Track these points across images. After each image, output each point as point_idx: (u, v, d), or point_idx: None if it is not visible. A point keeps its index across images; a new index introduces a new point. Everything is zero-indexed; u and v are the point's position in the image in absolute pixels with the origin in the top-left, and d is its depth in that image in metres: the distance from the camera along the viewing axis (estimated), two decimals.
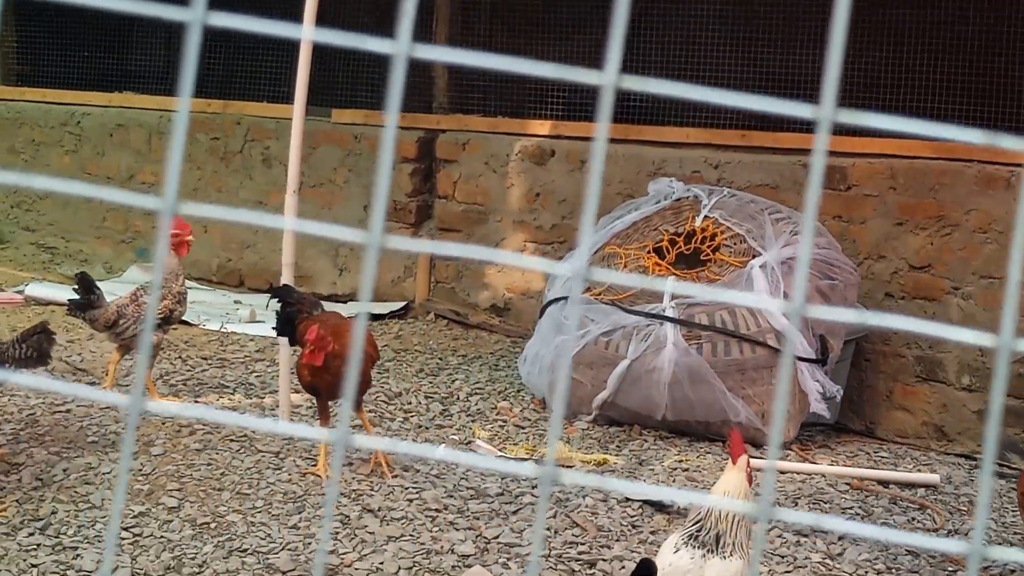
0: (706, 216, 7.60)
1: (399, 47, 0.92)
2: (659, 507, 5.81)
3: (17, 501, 5.45)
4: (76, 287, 6.98)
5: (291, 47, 6.91)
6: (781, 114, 1.02)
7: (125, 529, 5.26)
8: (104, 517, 5.35)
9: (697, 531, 4.23)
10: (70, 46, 11.33)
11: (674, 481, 6.33)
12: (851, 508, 6.14)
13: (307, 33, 0.98)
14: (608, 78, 0.93)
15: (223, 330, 8.71)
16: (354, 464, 6.04)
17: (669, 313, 7.13)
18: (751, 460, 6.69)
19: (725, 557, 4.20)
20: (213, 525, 5.37)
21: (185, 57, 0.92)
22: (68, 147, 11.12)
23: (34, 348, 5.77)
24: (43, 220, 11.20)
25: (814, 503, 6.17)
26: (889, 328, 1.01)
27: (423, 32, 10.11)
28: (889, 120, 0.99)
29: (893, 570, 5.43)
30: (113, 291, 9.26)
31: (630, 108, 9.01)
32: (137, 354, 6.83)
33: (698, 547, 4.20)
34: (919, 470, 6.89)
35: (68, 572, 4.97)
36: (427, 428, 6.97)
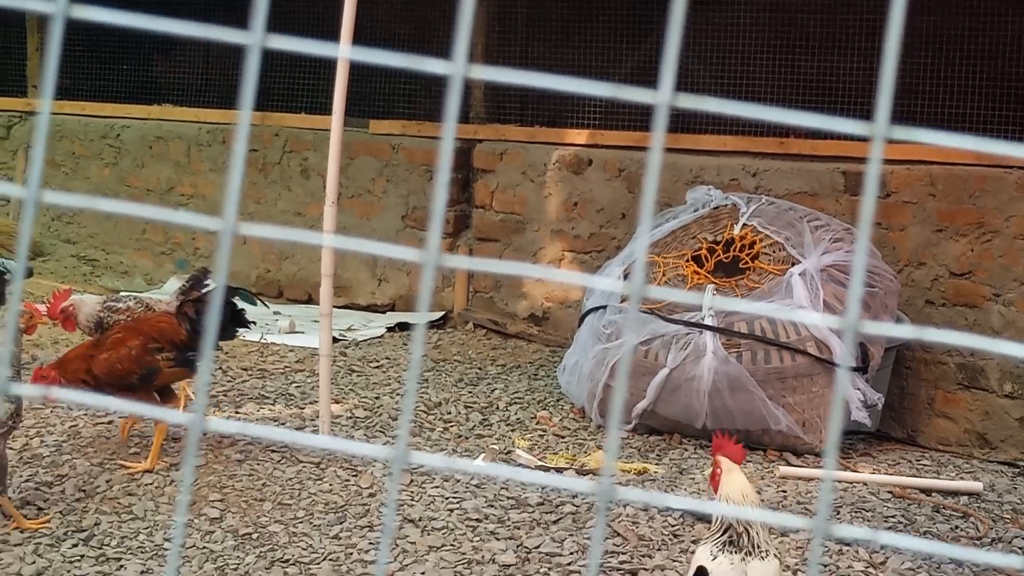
0: (744, 224, 7.59)
1: (455, 68, 0.92)
2: (700, 516, 5.80)
3: (60, 512, 5.49)
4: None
5: (329, 59, 6.93)
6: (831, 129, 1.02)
7: (168, 540, 5.29)
8: (147, 528, 5.38)
9: (727, 536, 4.23)
10: (109, 59, 11.41)
11: None
12: (893, 517, 6.11)
13: (358, 54, 0.99)
14: (663, 97, 0.93)
15: (262, 341, 8.74)
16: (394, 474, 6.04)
17: (708, 321, 7.12)
18: (792, 468, 6.69)
19: (763, 558, 4.20)
20: (255, 535, 5.39)
21: (245, 79, 0.93)
22: (108, 160, 11.20)
23: None
24: (83, 232, 11.28)
25: (856, 512, 6.15)
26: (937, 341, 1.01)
27: None
28: (941, 136, 0.99)
29: None
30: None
31: (671, 116, 8.99)
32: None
33: (735, 552, 4.20)
34: (962, 478, 6.86)
35: None
36: (467, 438, 6.98)
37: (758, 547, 4.21)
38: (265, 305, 6.84)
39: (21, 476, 5.79)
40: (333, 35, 6.38)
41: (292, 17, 10.60)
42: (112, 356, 5.91)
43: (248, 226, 0.97)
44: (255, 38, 0.93)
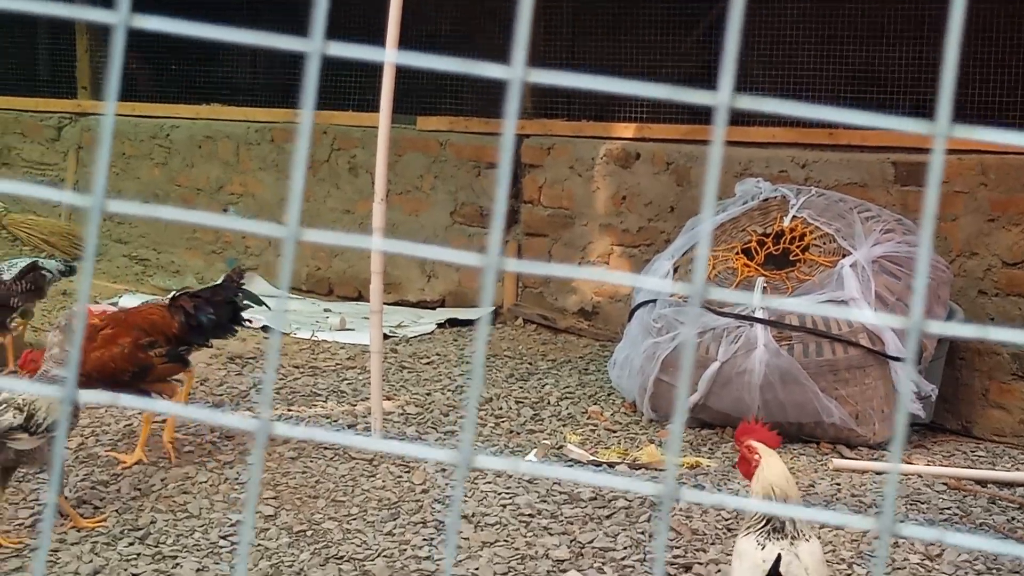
0: (794, 216, 7.56)
1: (514, 72, 0.93)
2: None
3: (116, 511, 5.53)
4: None
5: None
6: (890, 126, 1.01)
7: (223, 538, 5.32)
8: (203, 526, 5.42)
9: (771, 524, 4.22)
10: (158, 60, 11.48)
11: None
12: (949, 508, 6.08)
13: (413, 59, 0.99)
14: (722, 98, 0.93)
15: (314, 339, 8.78)
16: (447, 470, 6.06)
17: (759, 314, 7.09)
18: (846, 460, 6.65)
19: (808, 539, 4.20)
20: (309, 532, 5.41)
21: (305, 87, 0.94)
22: (158, 160, 11.27)
23: (31, 283, 6.71)
24: (135, 232, 11.36)
25: (911, 504, 6.12)
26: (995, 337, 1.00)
27: (506, 39, 10.13)
28: (1003, 134, 0.98)
29: (993, 571, 5.36)
30: None
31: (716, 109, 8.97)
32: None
33: (781, 538, 4.20)
34: (1017, 469, 6.80)
35: None
36: (518, 433, 6.99)
37: (801, 531, 4.21)
38: (267, 306, 6.76)
39: (77, 475, 5.84)
40: (380, 30, 6.38)
41: (339, 10, 10.61)
42: (104, 355, 5.80)
43: (311, 232, 0.98)
44: (315, 46, 0.94)
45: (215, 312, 6.14)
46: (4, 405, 5.02)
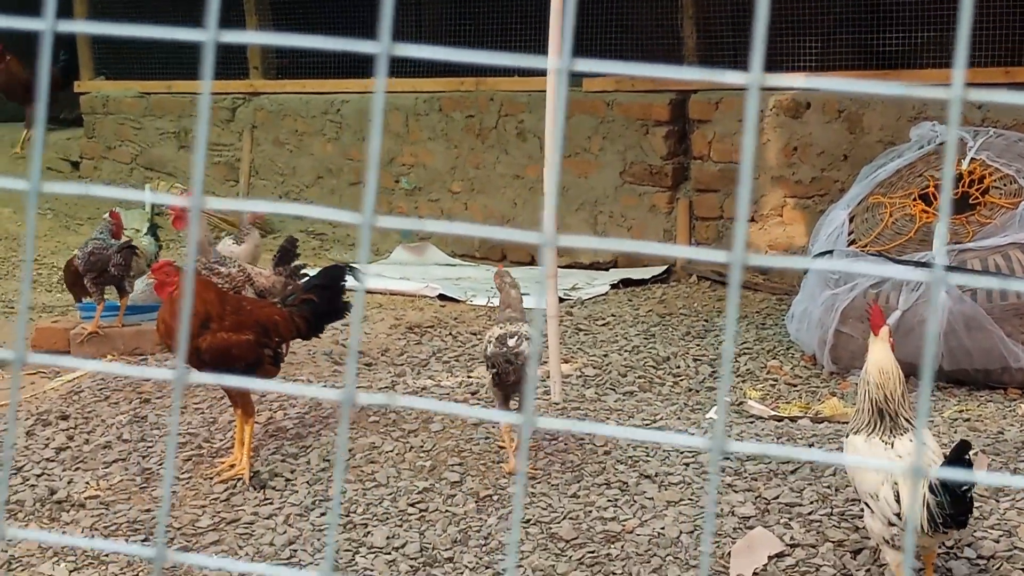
0: (972, 158, 7.38)
1: (752, 80, 0.92)
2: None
3: (307, 483, 5.65)
4: None
5: (542, 18, 6.94)
6: None
7: (411, 505, 5.41)
8: (391, 494, 5.51)
9: (883, 421, 4.46)
10: (325, 36, 11.62)
11: (955, 432, 6.18)
12: None
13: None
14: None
15: (489, 304, 8.84)
16: None
17: (940, 260, 6.96)
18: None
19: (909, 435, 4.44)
20: (495, 497, 5.47)
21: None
22: (330, 135, 11.44)
23: (124, 259, 7.42)
24: None
25: None
26: None
27: None
28: None
29: None
30: (382, 272, 9.52)
31: (888, 53, 8.81)
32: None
33: (901, 431, 4.47)
34: None
35: (360, 549, 5.14)
36: (697, 391, 6.97)
37: (911, 421, 4.44)
38: (357, 278, 6.55)
39: (268, 449, 5.98)
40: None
41: None
42: (231, 338, 5.66)
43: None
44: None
45: (319, 300, 6.01)
46: (518, 337, 5.62)
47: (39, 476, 5.79)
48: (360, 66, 11.38)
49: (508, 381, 5.62)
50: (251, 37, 10.84)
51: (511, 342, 5.64)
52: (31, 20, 1.37)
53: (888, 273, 1.53)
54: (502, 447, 5.81)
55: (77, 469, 5.87)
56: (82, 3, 12.96)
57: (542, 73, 6.80)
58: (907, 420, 4.49)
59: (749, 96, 0.97)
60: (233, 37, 1.25)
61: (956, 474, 4.19)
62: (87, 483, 5.72)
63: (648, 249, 1.27)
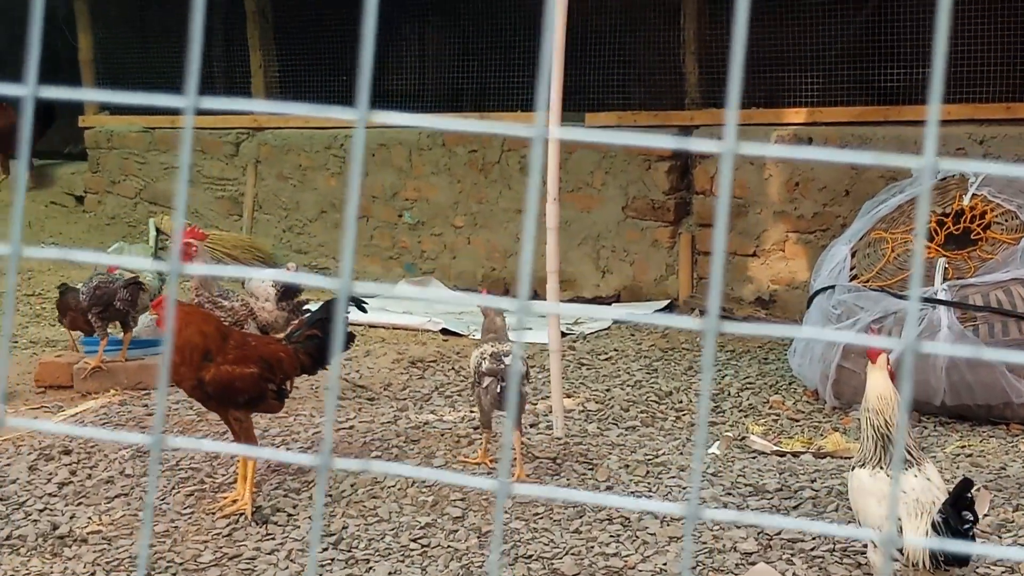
0: (974, 194, 7.40)
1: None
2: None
3: (309, 517, 5.65)
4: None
5: (542, 55, 6.96)
6: None
7: (413, 540, 5.41)
8: (393, 529, 5.51)
9: (887, 454, 4.46)
10: (329, 71, 11.69)
11: (958, 468, 6.18)
12: None
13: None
14: (928, 161, 0.93)
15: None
16: (630, 465, 6.08)
17: (942, 296, 6.97)
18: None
19: (926, 461, 4.47)
20: None
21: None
22: (333, 170, 11.47)
23: (131, 294, 7.45)
24: (313, 242, 11.59)
25: None
26: None
27: (671, 26, 10.10)
28: None
29: None
30: (384, 307, 9.53)
31: (890, 88, 8.84)
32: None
33: (908, 465, 4.45)
34: None
35: None
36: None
37: (918, 460, 4.39)
38: (363, 310, 6.57)
39: (271, 484, 5.98)
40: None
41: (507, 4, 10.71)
42: (235, 371, 5.62)
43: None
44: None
45: (323, 335, 6.00)
46: (511, 356, 5.85)
47: (41, 511, 5.79)
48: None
49: (503, 396, 5.82)
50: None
51: (507, 360, 5.84)
52: (12, 86, 1.40)
53: (860, 341, 1.55)
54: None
55: (80, 504, 5.87)
56: (86, 38, 13.02)
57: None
58: (911, 453, 4.49)
59: (723, 162, 0.99)
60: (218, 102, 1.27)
61: (953, 545, 4.18)
62: (89, 518, 5.72)
63: (608, 314, 1.29)
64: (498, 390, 5.84)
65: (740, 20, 1.00)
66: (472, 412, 7.10)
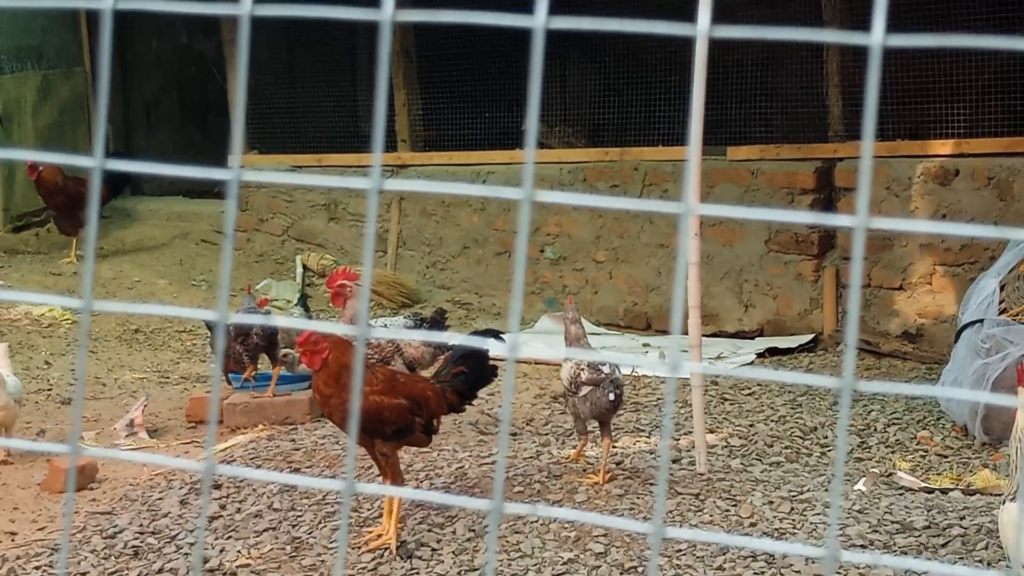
0: None
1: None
2: None
3: (453, 552, 5.69)
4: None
5: (684, 88, 6.98)
6: None
7: None
8: (535, 565, 5.53)
9: None
10: (471, 108, 11.81)
11: None
12: None
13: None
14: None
15: (634, 373, 8.84)
16: (774, 502, 6.02)
17: None
18: None
19: None
20: (640, 569, 5.46)
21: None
22: (475, 206, 11.57)
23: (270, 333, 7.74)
24: (457, 278, 11.68)
25: None
26: None
27: (814, 58, 10.04)
28: None
29: None
30: (528, 341, 9.57)
31: None
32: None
33: None
34: None
35: None
36: (846, 461, 6.89)
37: None
38: (501, 339, 6.58)
39: (415, 518, 6.04)
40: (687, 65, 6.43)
41: (647, 50, 10.73)
42: (384, 401, 5.69)
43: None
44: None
45: (469, 371, 6.05)
46: (612, 383, 6.24)
47: (192, 545, 5.91)
48: (506, 138, 11.51)
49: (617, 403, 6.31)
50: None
51: (605, 369, 6.23)
52: (81, 158, 1.49)
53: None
54: (646, 519, 5.79)
55: (229, 538, 5.98)
56: (234, 79, 13.31)
57: (684, 142, 6.83)
58: None
59: (856, 236, 1.00)
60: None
61: None
62: (239, 552, 5.83)
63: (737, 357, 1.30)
64: (611, 397, 6.22)
65: (874, 66, 1.01)
66: (614, 447, 7.10)
